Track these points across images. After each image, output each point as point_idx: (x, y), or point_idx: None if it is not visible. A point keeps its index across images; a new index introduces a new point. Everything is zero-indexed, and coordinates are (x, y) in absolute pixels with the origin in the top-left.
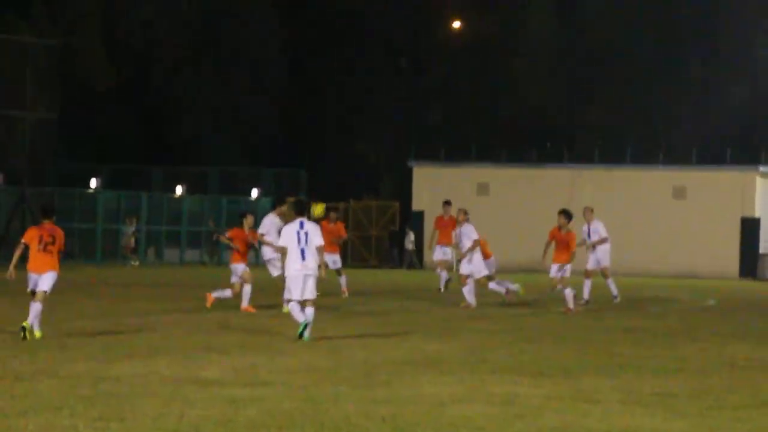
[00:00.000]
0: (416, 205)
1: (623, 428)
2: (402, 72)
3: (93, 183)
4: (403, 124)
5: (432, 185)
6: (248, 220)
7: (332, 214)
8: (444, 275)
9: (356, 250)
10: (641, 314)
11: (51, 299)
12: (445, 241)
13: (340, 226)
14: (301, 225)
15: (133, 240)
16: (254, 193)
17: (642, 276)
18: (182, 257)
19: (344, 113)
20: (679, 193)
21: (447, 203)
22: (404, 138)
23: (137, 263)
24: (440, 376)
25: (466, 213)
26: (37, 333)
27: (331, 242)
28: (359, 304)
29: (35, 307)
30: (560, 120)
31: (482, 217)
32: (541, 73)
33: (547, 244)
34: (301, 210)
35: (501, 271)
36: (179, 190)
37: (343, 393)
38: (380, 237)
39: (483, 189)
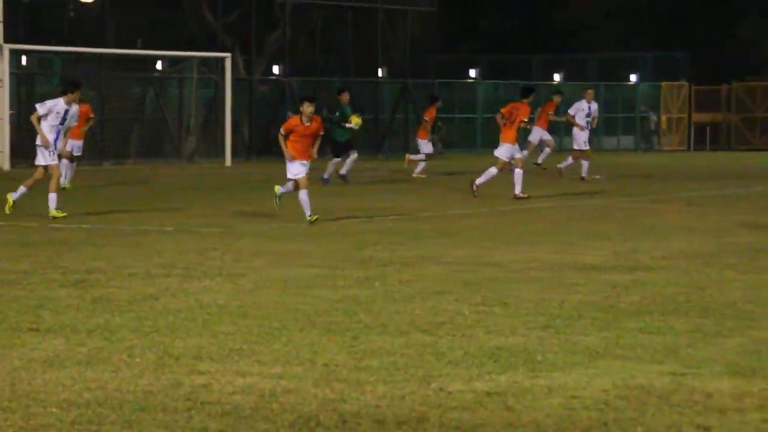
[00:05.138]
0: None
1: None
2: None
3: (472, 73)
4: None
5: None
6: None
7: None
8: None
9: (740, 132)
10: None
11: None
12: None
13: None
14: None
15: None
16: (633, 78)
17: None
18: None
19: None
20: None
21: None
22: None
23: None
24: None
25: None
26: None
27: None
28: (742, 187)
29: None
30: None
31: None
32: None
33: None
34: None
35: None
36: (557, 77)
37: (728, 278)
38: (765, 119)
39: None
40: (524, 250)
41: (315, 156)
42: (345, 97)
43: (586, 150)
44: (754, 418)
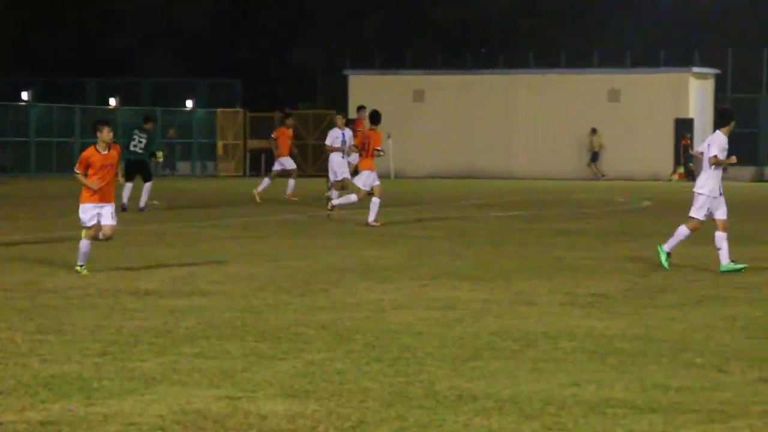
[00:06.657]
0: (353, 114)
1: (561, 329)
2: None
3: (24, 96)
4: (339, 33)
5: (368, 93)
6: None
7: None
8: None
9: (295, 159)
10: (577, 217)
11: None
12: None
13: None
14: None
15: None
16: (189, 104)
17: (577, 179)
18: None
19: (279, 22)
20: (614, 95)
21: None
22: (340, 46)
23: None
24: (379, 282)
25: None
26: None
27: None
28: (298, 213)
29: None
30: (494, 25)
31: (418, 124)
32: None
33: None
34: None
35: (436, 176)
36: (113, 102)
37: (283, 301)
38: (317, 146)
39: (419, 96)
40: (81, 276)
41: (122, 180)
42: (150, 125)
43: (342, 180)
44: None
